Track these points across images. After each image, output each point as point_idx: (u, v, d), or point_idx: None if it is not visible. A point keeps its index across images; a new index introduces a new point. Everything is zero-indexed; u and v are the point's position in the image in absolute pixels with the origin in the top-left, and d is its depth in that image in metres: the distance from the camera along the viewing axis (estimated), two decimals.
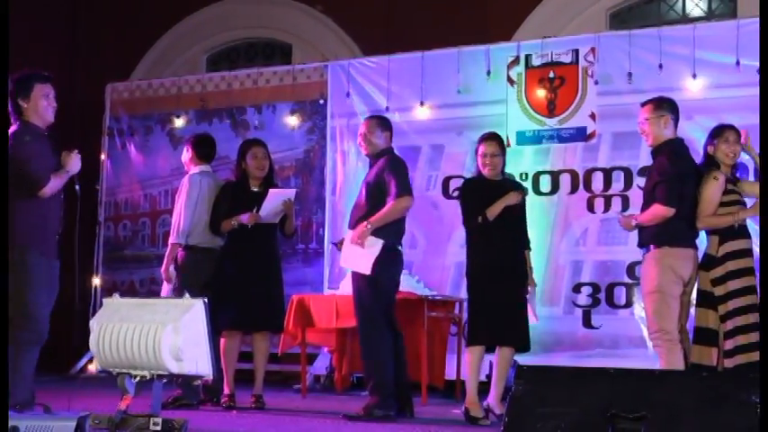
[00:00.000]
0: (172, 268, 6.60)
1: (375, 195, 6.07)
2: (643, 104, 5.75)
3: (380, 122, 6.34)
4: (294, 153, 9.26)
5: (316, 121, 9.18)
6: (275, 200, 6.48)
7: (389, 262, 6.07)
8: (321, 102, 9.03)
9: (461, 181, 6.84)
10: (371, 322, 6.03)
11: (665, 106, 5.68)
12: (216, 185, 6.76)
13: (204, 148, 6.83)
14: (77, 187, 5.38)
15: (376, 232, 5.98)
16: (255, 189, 6.63)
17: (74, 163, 5.31)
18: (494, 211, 5.93)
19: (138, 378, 4.29)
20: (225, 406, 6.41)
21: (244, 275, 6.45)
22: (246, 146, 6.77)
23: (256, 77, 9.53)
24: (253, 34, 11.23)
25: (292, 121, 9.26)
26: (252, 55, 11.25)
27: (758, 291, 5.43)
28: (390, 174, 6.03)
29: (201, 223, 6.59)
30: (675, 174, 5.50)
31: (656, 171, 5.57)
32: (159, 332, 4.16)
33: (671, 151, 5.59)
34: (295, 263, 8.96)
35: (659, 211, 5.48)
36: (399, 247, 6.19)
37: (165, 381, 4.36)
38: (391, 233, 6.07)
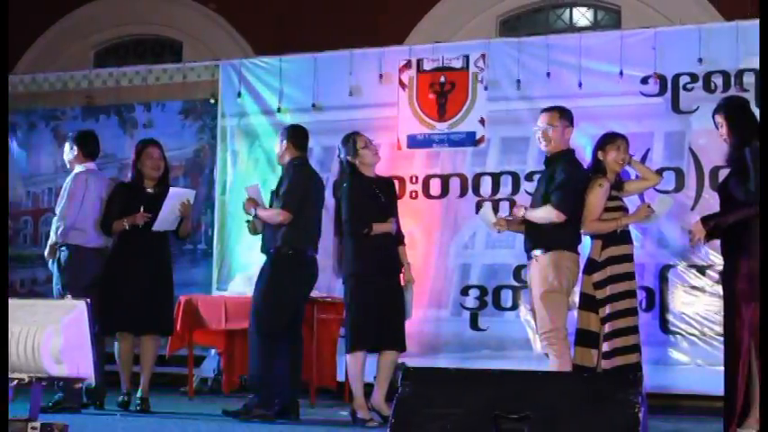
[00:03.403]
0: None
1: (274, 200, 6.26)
2: (547, 110, 5.88)
3: (286, 131, 6.44)
4: (183, 152, 9.13)
5: (206, 121, 9.08)
6: (174, 200, 6.40)
7: (293, 266, 6.11)
8: (212, 101, 8.93)
9: None
10: (264, 322, 6.06)
11: (569, 116, 5.84)
12: (103, 183, 6.64)
13: (88, 146, 6.69)
14: None
15: (290, 239, 6.06)
16: (150, 190, 6.56)
17: None
18: (378, 229, 5.96)
19: (15, 381, 4.17)
20: (119, 403, 6.37)
21: (133, 276, 6.38)
22: (142, 146, 6.71)
23: (145, 75, 9.36)
24: (142, 31, 11.03)
25: (182, 119, 9.14)
26: (141, 52, 11.04)
27: (637, 294, 5.65)
28: (285, 184, 6.17)
29: (87, 222, 6.46)
30: (579, 183, 5.65)
31: (565, 176, 5.65)
32: (39, 334, 4.05)
33: (573, 160, 5.78)
34: (183, 263, 8.83)
35: (551, 215, 5.59)
36: (311, 253, 6.22)
37: (44, 384, 4.24)
38: (297, 238, 6.09)
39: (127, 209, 6.42)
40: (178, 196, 6.48)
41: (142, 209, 6.38)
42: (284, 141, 6.31)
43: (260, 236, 6.32)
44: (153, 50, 11.01)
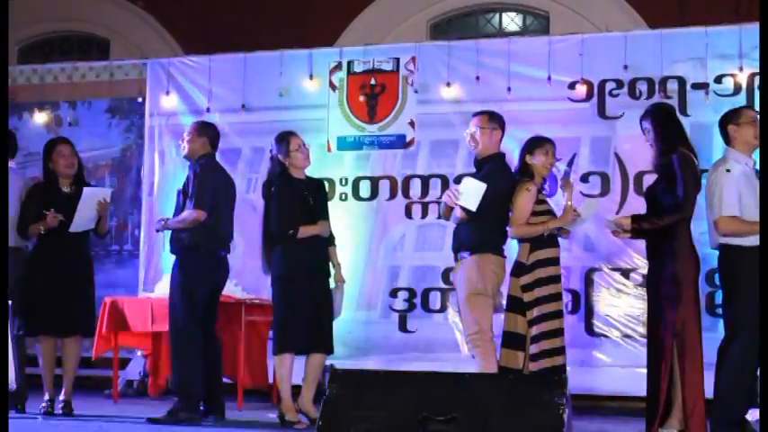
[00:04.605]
0: None
1: (183, 199, 6.19)
2: (477, 113, 5.96)
3: (198, 127, 6.40)
4: (110, 152, 9.01)
5: (133, 120, 8.97)
6: (90, 200, 6.30)
7: (202, 266, 6.07)
8: (139, 100, 8.81)
9: None
10: (178, 323, 6.06)
11: (498, 120, 5.91)
12: (23, 182, 6.51)
13: None
14: None
15: (198, 239, 6.04)
16: (66, 189, 6.44)
17: None
18: (305, 232, 5.94)
19: None
20: (43, 411, 6.22)
21: (53, 278, 6.26)
22: (51, 145, 6.58)
23: (71, 72, 9.21)
24: (68, 27, 10.86)
25: (108, 118, 9.02)
26: (67, 49, 10.87)
27: (563, 297, 5.74)
28: (193, 183, 6.09)
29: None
30: (496, 186, 5.71)
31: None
32: None
33: (502, 164, 5.85)
34: (109, 264, 8.71)
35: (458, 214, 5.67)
36: (222, 253, 6.18)
37: None
38: (206, 237, 6.04)
39: (44, 211, 6.29)
40: (93, 196, 6.38)
41: (53, 210, 6.25)
42: (202, 137, 6.26)
43: None
44: (79, 47, 10.84)
